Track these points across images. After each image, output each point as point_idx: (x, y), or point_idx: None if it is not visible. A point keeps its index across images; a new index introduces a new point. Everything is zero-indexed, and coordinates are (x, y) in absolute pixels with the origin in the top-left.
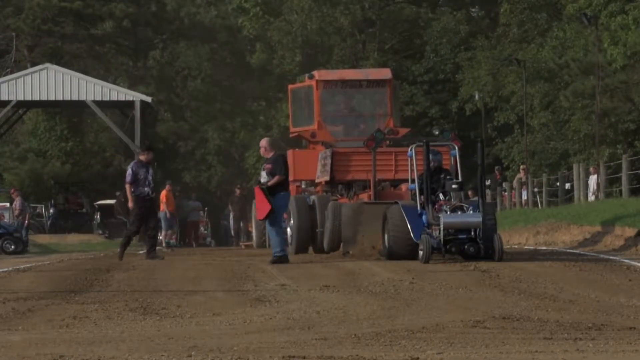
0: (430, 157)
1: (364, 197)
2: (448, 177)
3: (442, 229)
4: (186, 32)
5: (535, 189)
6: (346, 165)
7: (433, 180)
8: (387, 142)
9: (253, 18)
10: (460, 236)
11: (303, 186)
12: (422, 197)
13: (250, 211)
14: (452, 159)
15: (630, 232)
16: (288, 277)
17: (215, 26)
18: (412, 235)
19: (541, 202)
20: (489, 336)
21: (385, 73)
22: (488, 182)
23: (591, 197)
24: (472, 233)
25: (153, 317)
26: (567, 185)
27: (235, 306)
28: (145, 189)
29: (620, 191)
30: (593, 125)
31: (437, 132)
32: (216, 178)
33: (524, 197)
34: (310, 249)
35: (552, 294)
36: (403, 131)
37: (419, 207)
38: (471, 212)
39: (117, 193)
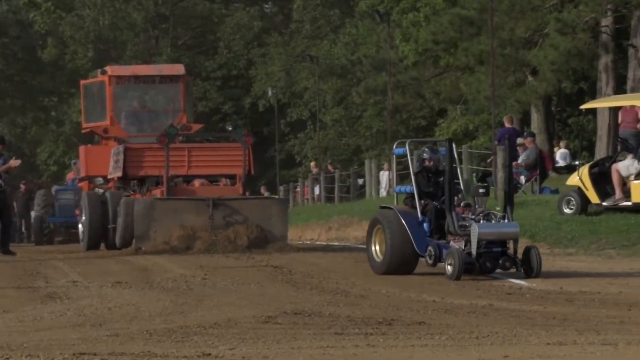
0: (428, 155)
1: (157, 193)
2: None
3: (474, 240)
4: None
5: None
6: (139, 161)
7: (431, 182)
8: (180, 138)
9: (45, 13)
10: (495, 249)
11: (96, 182)
12: (422, 202)
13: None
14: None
15: None
16: (80, 273)
17: (6, 21)
18: (415, 247)
19: (334, 198)
20: (280, 332)
21: (179, 69)
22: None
23: (383, 193)
24: (507, 245)
25: None
26: (360, 181)
27: (26, 303)
28: None
29: None
30: (385, 122)
31: (230, 128)
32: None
33: (317, 192)
34: (103, 245)
35: (343, 289)
36: (196, 127)
37: (419, 214)
38: (506, 221)
39: None
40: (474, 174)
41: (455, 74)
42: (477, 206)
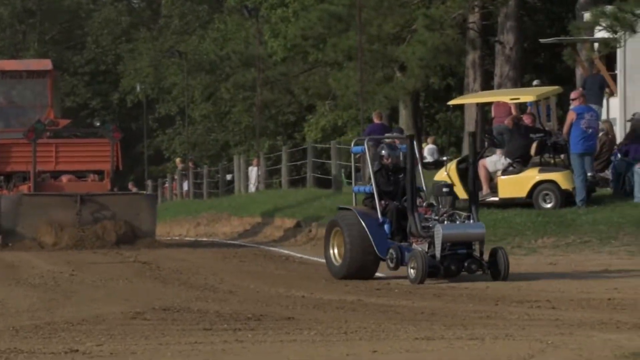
0: (387, 152)
1: (24, 188)
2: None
3: (438, 242)
4: None
5: (197, 180)
6: (6, 157)
7: (390, 181)
8: (48, 133)
9: None
10: (460, 251)
11: None
12: (382, 202)
13: None
14: (402, 154)
15: (289, 223)
16: None
17: None
18: (375, 250)
19: (202, 194)
20: (148, 327)
21: (46, 64)
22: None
23: (252, 189)
24: (473, 247)
25: None
26: (228, 177)
27: None
28: None
29: (280, 182)
30: (254, 117)
31: (98, 124)
32: None
33: (185, 188)
34: None
35: (212, 285)
36: (64, 122)
37: (379, 215)
38: (471, 221)
39: None
40: (343, 170)
41: (324, 69)
42: (440, 206)
